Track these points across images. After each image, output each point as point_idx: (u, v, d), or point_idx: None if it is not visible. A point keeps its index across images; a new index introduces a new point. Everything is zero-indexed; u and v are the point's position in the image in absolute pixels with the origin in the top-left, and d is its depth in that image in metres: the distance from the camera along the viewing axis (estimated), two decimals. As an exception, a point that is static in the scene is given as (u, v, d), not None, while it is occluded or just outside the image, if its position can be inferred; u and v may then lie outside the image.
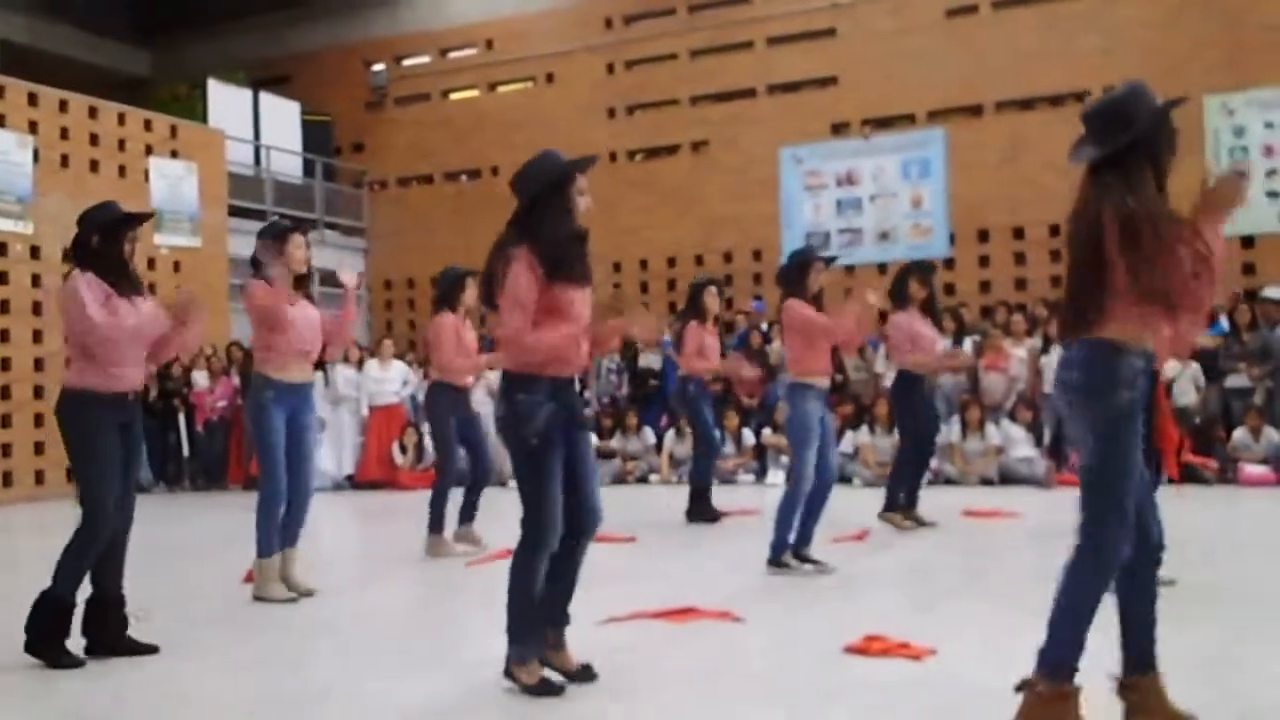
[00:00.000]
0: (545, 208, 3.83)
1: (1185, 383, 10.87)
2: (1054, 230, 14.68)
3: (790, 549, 6.06)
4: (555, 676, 3.85)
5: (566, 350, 3.79)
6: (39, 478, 12.78)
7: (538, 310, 3.76)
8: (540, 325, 3.76)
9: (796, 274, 6.30)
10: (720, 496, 8.83)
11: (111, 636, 4.62)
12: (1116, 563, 3.18)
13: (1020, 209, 14.73)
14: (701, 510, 8.54)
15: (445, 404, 7.33)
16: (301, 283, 5.86)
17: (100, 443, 4.54)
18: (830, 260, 6.56)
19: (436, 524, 7.22)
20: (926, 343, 7.91)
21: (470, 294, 7.19)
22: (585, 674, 3.95)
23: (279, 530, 5.74)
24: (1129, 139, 3.15)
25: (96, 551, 4.54)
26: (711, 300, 8.62)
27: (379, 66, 19.09)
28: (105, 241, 4.71)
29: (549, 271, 3.75)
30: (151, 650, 4.61)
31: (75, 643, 4.55)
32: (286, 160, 18.10)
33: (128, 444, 4.66)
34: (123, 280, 4.71)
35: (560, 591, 3.95)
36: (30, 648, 4.50)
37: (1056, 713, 3.12)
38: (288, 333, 5.63)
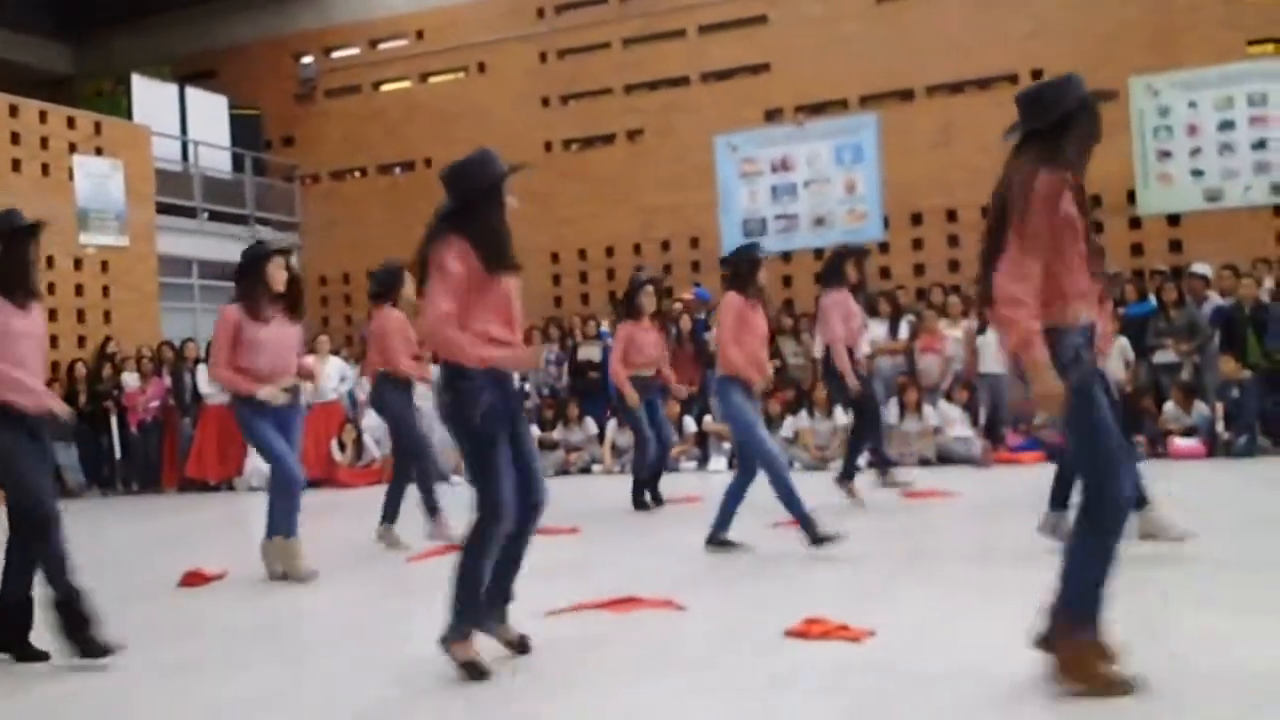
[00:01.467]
0: (482, 204, 3.97)
1: (1114, 358, 11.06)
2: (985, 212, 14.87)
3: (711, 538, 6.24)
4: (484, 661, 3.91)
5: (475, 354, 3.87)
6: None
7: (474, 301, 3.90)
8: (474, 315, 3.90)
9: (747, 270, 6.38)
10: (662, 484, 8.83)
11: (12, 636, 4.62)
12: (1122, 512, 3.33)
13: (953, 191, 14.90)
14: (637, 499, 8.61)
15: (398, 399, 7.38)
16: (279, 301, 6.11)
17: (14, 443, 4.50)
18: (770, 257, 6.76)
19: (390, 515, 7.34)
20: (854, 320, 8.06)
21: (409, 288, 7.21)
22: (522, 645, 4.12)
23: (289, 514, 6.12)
24: (1054, 118, 3.40)
25: (59, 539, 4.53)
26: (648, 300, 8.63)
27: (308, 59, 18.84)
28: (8, 250, 4.64)
29: (487, 261, 3.91)
30: (43, 657, 4.57)
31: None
32: (215, 155, 17.80)
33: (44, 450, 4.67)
34: (18, 289, 4.62)
35: (508, 568, 4.10)
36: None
37: (1089, 658, 3.28)
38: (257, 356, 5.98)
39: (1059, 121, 3.40)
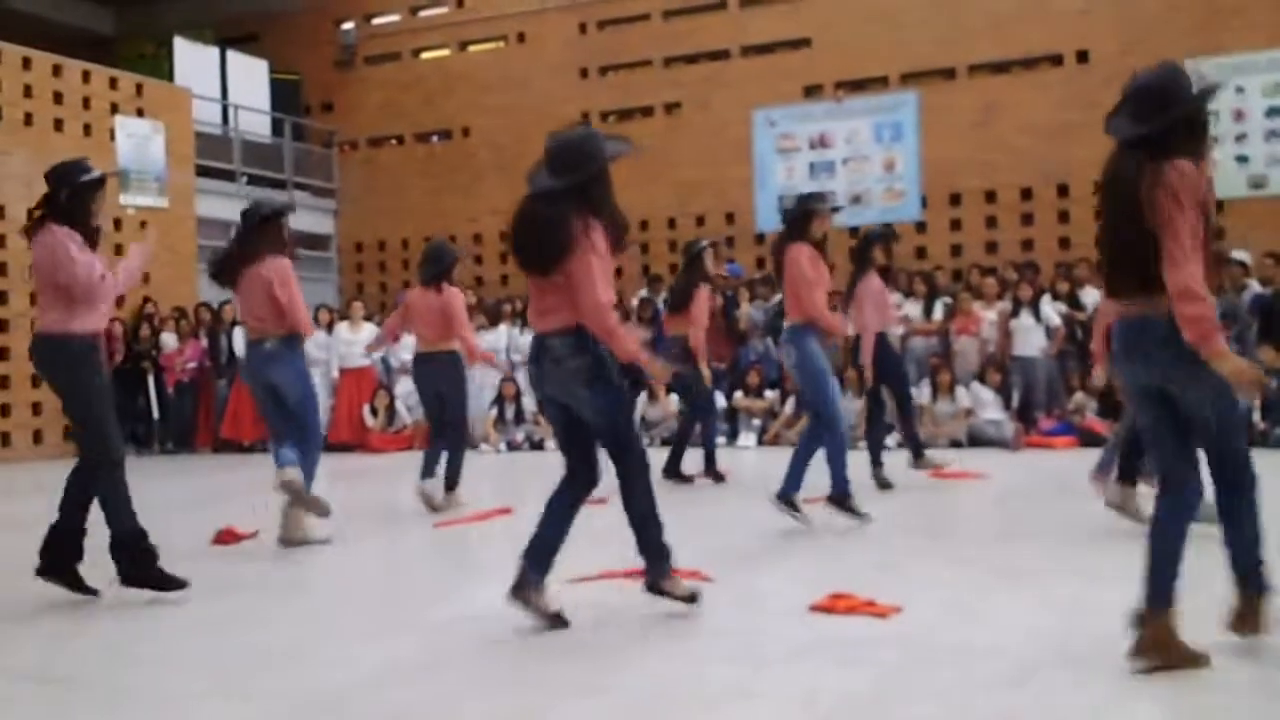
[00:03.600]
0: (602, 185, 4.13)
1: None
2: (1025, 194, 14.74)
3: (783, 494, 6.10)
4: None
5: (632, 350, 4.13)
6: (37, 437, 12.82)
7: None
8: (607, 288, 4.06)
9: (801, 222, 6.34)
10: (691, 459, 8.83)
11: (62, 563, 4.79)
12: (1192, 503, 3.46)
13: (993, 173, 14.76)
14: (710, 471, 8.61)
15: (455, 374, 7.54)
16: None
17: (96, 381, 4.76)
18: (836, 209, 6.73)
19: (454, 482, 7.45)
20: (889, 309, 8.04)
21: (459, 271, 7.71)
22: (558, 620, 4.11)
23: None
24: (1180, 114, 3.35)
25: (123, 481, 4.80)
26: (711, 261, 8.68)
27: (348, 25, 18.84)
28: (74, 199, 4.85)
29: (616, 245, 4.12)
30: (92, 592, 4.79)
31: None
32: (255, 120, 17.87)
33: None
34: (86, 239, 4.85)
35: (556, 539, 4.19)
36: (134, 582, 4.76)
37: (1164, 637, 3.35)
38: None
39: (1186, 117, 3.37)
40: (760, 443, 11.61)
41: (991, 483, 8.21)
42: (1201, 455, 3.46)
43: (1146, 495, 5.44)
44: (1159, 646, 3.34)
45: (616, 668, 3.67)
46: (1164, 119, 3.35)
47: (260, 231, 6.16)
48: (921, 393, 11.06)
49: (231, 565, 5.75)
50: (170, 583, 4.78)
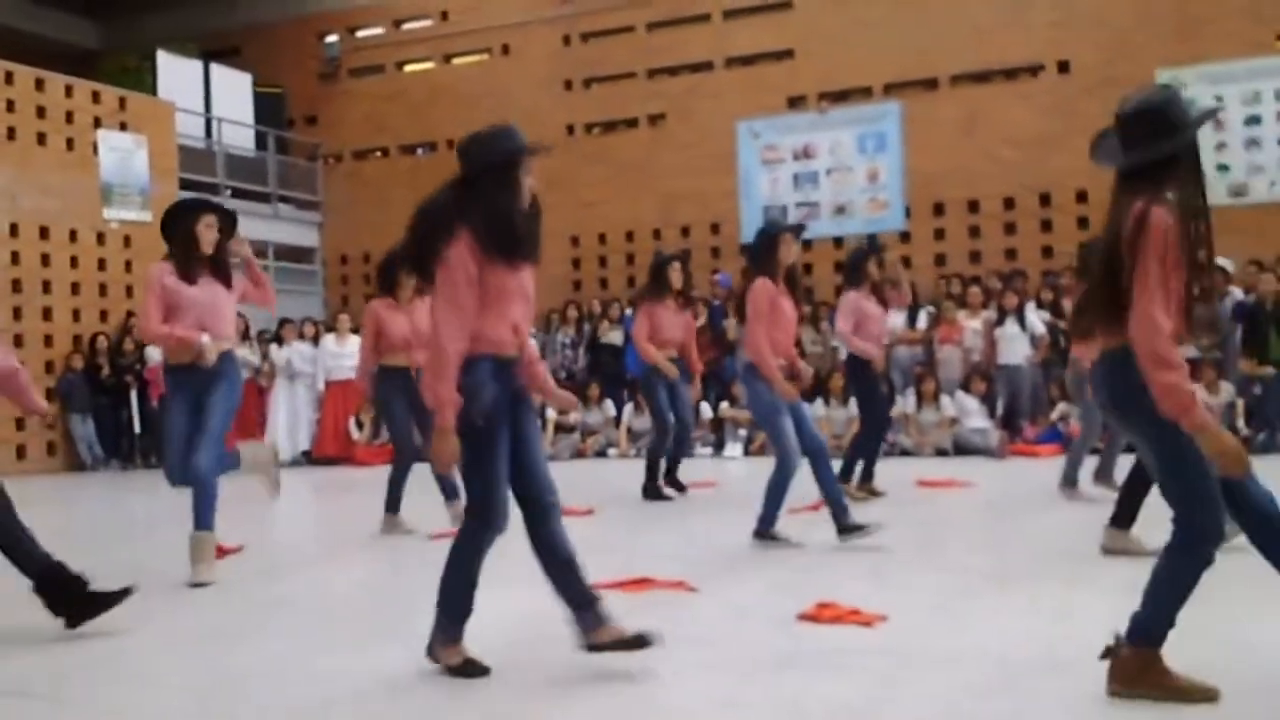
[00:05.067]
0: (493, 183, 3.62)
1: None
2: (1008, 203, 14.81)
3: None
4: (477, 658, 3.72)
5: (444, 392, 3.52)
6: (50, 449, 12.75)
7: (486, 297, 3.57)
8: (487, 313, 3.57)
9: (766, 252, 6.16)
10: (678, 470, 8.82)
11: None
12: (1210, 547, 3.12)
13: (976, 182, 14.84)
14: (651, 489, 8.42)
15: (392, 386, 7.19)
16: (211, 263, 5.77)
17: None
18: (799, 230, 6.45)
19: (393, 504, 7.18)
20: (874, 323, 7.93)
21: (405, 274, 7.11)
22: (641, 642, 3.65)
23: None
24: (1174, 146, 3.17)
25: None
26: (675, 275, 8.38)
27: (332, 38, 18.85)
28: None
29: (489, 251, 3.56)
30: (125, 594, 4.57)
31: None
32: (239, 133, 17.85)
33: None
34: None
35: (568, 572, 3.73)
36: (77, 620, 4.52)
37: (1145, 671, 3.15)
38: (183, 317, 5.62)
39: (1185, 147, 3.18)
40: (746, 453, 11.63)
41: (977, 491, 8.24)
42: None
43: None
44: (1143, 680, 3.16)
45: (601, 677, 3.66)
46: (1159, 148, 3.17)
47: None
48: (906, 402, 11.11)
49: (218, 579, 5.72)
50: (114, 599, 4.53)
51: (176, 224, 5.73)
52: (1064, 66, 14.51)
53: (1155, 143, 3.17)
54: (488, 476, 3.63)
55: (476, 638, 3.81)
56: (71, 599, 4.50)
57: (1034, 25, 14.62)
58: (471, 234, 3.55)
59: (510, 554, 3.89)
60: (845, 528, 5.89)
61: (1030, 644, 3.78)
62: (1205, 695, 3.14)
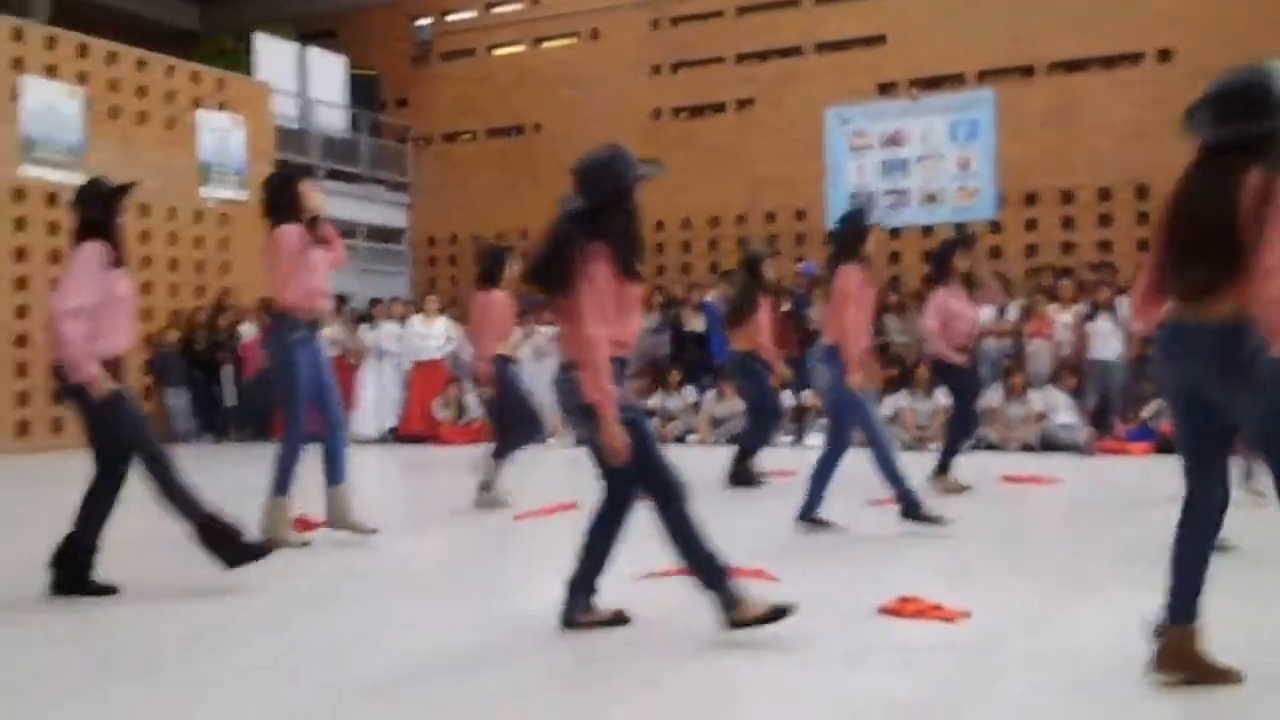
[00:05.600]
0: (619, 210, 3.96)
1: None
2: (1104, 194, 14.48)
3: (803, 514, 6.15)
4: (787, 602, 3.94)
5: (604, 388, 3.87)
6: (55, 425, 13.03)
7: (612, 307, 3.90)
8: (611, 321, 3.89)
9: (852, 238, 6.22)
10: (758, 459, 8.80)
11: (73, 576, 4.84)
12: (1214, 517, 3.38)
13: (1071, 172, 14.54)
14: (742, 474, 8.49)
15: (508, 372, 7.60)
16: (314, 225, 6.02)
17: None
18: (879, 220, 6.57)
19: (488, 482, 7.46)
20: (962, 322, 7.80)
21: (513, 270, 7.54)
22: (619, 619, 4.13)
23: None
24: (1274, 125, 3.22)
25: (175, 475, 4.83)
26: (769, 272, 8.56)
27: (424, 21, 19.07)
28: (105, 214, 4.93)
29: (626, 270, 3.92)
30: (111, 590, 4.82)
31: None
32: (332, 115, 18.16)
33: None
34: (117, 249, 4.93)
35: (601, 558, 4.13)
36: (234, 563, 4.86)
37: (1187, 650, 3.30)
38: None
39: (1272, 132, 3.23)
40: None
41: (1064, 488, 8.09)
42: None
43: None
44: (1181, 660, 3.29)
45: (675, 665, 3.69)
46: (1257, 126, 3.22)
47: (269, 199, 6.00)
48: (993, 395, 10.93)
49: (304, 552, 5.85)
50: (253, 551, 4.93)
51: (284, 191, 5.92)
52: (1165, 55, 14.12)
53: (1249, 120, 3.22)
54: (656, 458, 3.97)
55: (552, 617, 3.84)
56: (231, 542, 4.84)
57: (1135, 12, 14.24)
58: (610, 252, 3.89)
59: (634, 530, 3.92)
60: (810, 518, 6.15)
61: (1114, 649, 3.71)
62: (1231, 679, 3.27)
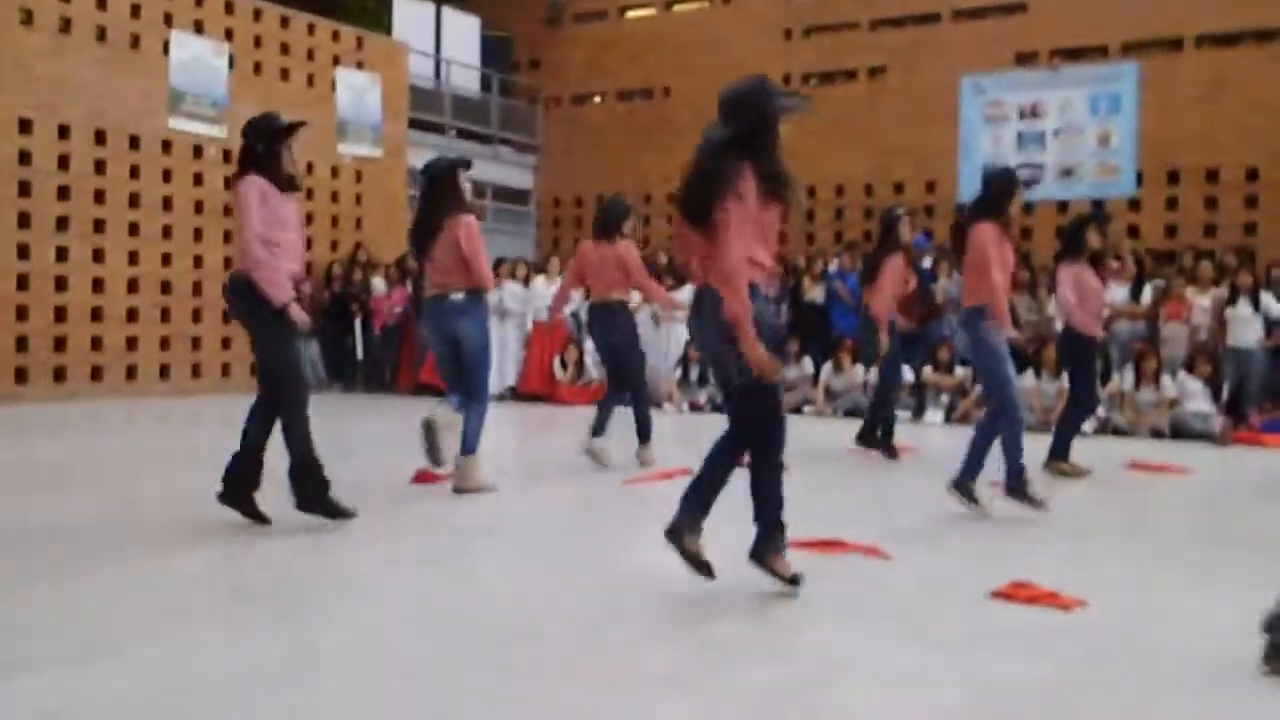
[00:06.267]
0: (764, 136, 4.03)
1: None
2: (1251, 174, 13.89)
3: (959, 481, 5.94)
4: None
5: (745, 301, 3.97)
6: (225, 370, 13.57)
7: (753, 228, 3.99)
8: (753, 245, 4.01)
9: (998, 198, 6.09)
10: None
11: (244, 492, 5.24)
12: None
13: (1217, 150, 13.98)
14: (884, 443, 8.48)
15: (627, 326, 7.67)
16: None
17: (278, 323, 5.09)
18: (1028, 185, 6.40)
19: (646, 434, 7.60)
20: (1094, 298, 7.60)
21: (631, 224, 7.73)
22: (706, 569, 4.15)
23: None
24: None
25: (305, 416, 5.17)
26: (906, 231, 8.46)
27: (559, -18, 19.18)
28: (269, 148, 5.17)
29: (770, 193, 4.01)
30: (266, 520, 5.23)
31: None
32: (465, 75, 18.42)
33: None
34: (281, 180, 5.18)
35: (713, 485, 4.20)
36: (304, 507, 5.22)
37: None
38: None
39: None
40: (948, 420, 11.39)
41: (1194, 478, 7.85)
42: None
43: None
44: None
45: (789, 638, 3.72)
46: None
47: (442, 187, 6.38)
48: (1125, 379, 10.63)
49: (426, 505, 6.05)
50: (338, 511, 5.22)
51: (446, 181, 6.40)
52: (1325, 29, 13.45)
53: None
54: (777, 405, 4.14)
55: (666, 581, 3.92)
56: (318, 489, 5.20)
57: (1296, -17, 13.57)
58: (756, 175, 3.96)
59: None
60: (1018, 492, 5.91)
61: (1236, 646, 3.62)
62: None
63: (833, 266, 13.36)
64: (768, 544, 4.15)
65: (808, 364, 12.46)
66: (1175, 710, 3.11)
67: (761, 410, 4.12)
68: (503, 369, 13.62)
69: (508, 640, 3.61)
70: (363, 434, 9.52)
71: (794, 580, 4.15)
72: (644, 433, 7.61)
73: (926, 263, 12.94)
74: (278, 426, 5.20)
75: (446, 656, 3.45)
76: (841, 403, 11.57)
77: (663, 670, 3.37)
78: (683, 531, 4.11)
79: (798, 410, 12.14)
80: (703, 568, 4.13)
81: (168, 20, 13.19)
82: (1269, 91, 13.45)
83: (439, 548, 5.10)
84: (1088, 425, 8.78)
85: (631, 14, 18.83)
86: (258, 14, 14.21)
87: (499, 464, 7.98)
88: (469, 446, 6.33)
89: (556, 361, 13.14)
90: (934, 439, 10.01)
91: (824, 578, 4.37)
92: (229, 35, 13.77)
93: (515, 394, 13.42)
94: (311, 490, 5.19)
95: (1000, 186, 6.13)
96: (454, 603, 4.10)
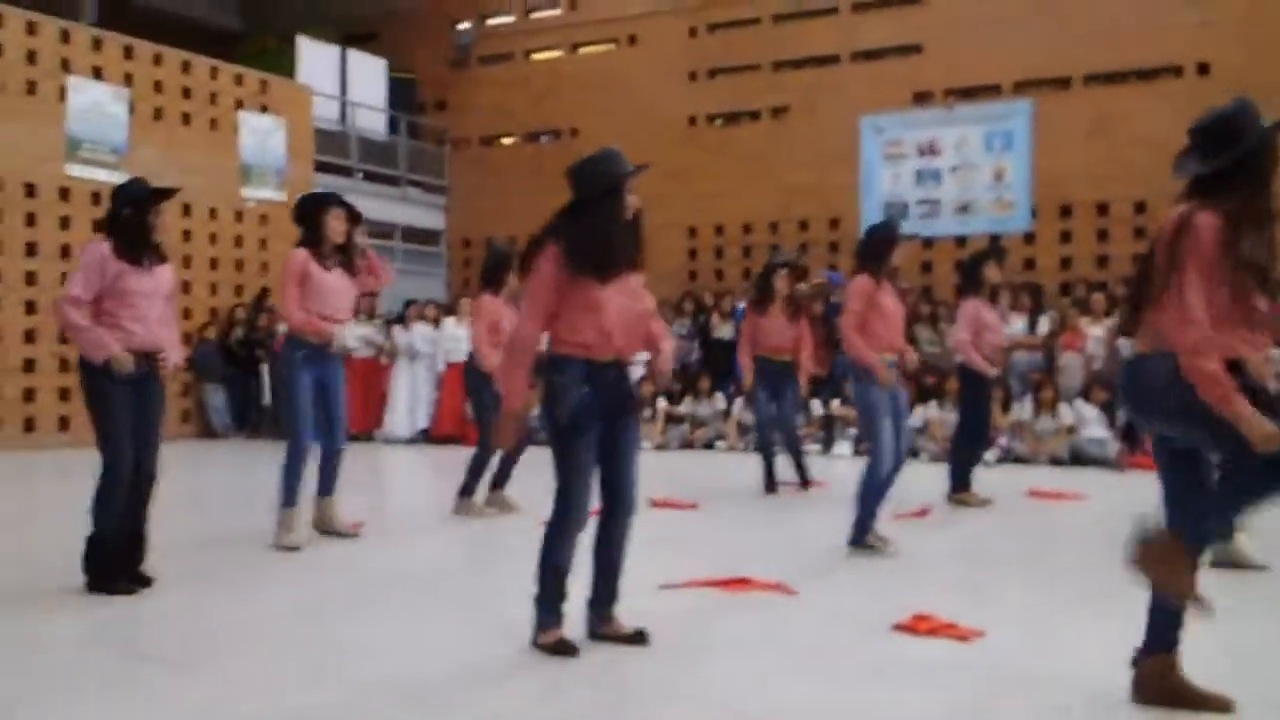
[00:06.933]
0: (594, 206, 3.93)
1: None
2: (1139, 207, 14.41)
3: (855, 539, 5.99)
4: (569, 640, 4.01)
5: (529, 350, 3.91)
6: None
7: (569, 303, 3.89)
8: (571, 318, 3.90)
9: (877, 250, 6.15)
10: (782, 469, 8.85)
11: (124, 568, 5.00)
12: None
13: (1106, 185, 14.46)
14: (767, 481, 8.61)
15: (479, 381, 7.39)
16: (339, 252, 6.21)
17: (111, 396, 4.88)
18: (909, 238, 6.47)
19: (469, 488, 7.43)
20: (992, 333, 7.84)
21: (514, 276, 7.31)
22: (638, 638, 4.10)
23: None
24: (1233, 157, 3.21)
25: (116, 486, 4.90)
26: (782, 284, 8.61)
27: (465, 25, 19.23)
28: (135, 213, 5.08)
29: (578, 267, 3.88)
30: (147, 583, 5.00)
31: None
32: (372, 117, 18.35)
33: (143, 398, 4.99)
34: (145, 250, 5.07)
35: (601, 573, 4.13)
36: (90, 585, 4.92)
37: (1168, 679, 3.39)
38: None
39: (1238, 163, 3.21)
40: (856, 453, 11.58)
41: (1090, 504, 8.09)
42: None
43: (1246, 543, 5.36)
44: (1161, 689, 3.37)
45: (690, 677, 3.76)
46: (1220, 160, 3.21)
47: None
48: (1024, 408, 10.93)
49: (334, 553, 5.97)
50: (117, 589, 4.93)
51: (309, 214, 6.08)
52: (1204, 69, 14.04)
53: (1220, 154, 3.23)
54: (569, 475, 3.95)
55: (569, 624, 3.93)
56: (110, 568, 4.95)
57: (1175, 26, 14.16)
58: (559, 250, 3.89)
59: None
60: (858, 541, 5.93)
61: (1121, 672, 3.74)
62: (1221, 705, 3.31)
63: (740, 304, 13.53)
64: (534, 620, 4.05)
65: (719, 400, 12.59)
66: (1066, 736, 3.21)
67: (556, 476, 4.00)
68: (415, 411, 13.53)
69: (411, 692, 3.59)
70: (269, 481, 9.37)
71: (554, 648, 3.98)
72: (470, 485, 7.43)
73: (833, 298, 13.18)
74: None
75: (346, 705, 3.43)
76: (753, 438, 11.70)
77: (565, 713, 3.39)
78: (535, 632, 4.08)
79: (710, 446, 12.25)
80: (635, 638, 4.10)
81: (65, 66, 12.96)
82: (1153, 127, 13.96)
83: (340, 597, 5.02)
84: (990, 454, 9.01)
85: (537, 56, 18.95)
86: (158, 58, 14.03)
87: (413, 507, 7.93)
88: (281, 497, 6.17)
89: (469, 404, 13.07)
90: (843, 470, 10.16)
91: (729, 617, 4.42)
92: (129, 80, 13.57)
93: (428, 437, 13.33)
94: (97, 566, 4.93)
95: (879, 240, 6.20)
96: (348, 655, 4.06)
